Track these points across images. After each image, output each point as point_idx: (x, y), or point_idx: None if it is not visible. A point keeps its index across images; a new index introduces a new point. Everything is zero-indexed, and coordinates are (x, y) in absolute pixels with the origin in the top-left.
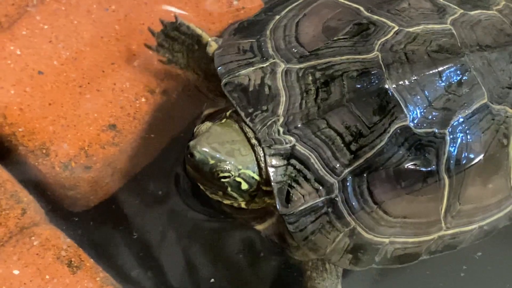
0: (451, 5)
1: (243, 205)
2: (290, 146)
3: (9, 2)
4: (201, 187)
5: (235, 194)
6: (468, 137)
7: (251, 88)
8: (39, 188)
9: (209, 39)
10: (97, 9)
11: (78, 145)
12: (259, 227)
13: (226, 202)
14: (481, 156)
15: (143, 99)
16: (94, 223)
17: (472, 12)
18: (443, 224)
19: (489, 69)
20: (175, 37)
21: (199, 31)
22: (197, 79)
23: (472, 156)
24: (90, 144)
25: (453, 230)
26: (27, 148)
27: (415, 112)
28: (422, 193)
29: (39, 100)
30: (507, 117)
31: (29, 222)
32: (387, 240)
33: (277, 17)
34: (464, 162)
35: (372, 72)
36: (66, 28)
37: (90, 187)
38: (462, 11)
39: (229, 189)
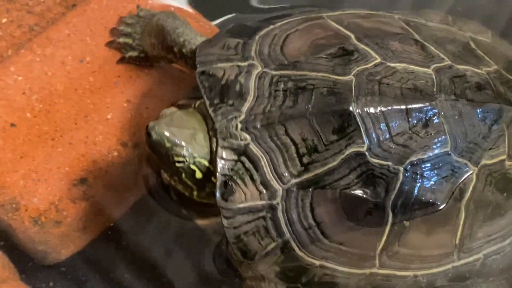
0: (441, 55)
1: (195, 195)
2: (244, 144)
3: None
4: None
5: (189, 182)
6: (422, 181)
7: (223, 82)
8: (9, 243)
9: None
10: (72, 60)
11: (48, 200)
12: (201, 222)
13: (180, 188)
14: (431, 204)
15: (115, 153)
16: (65, 275)
17: (460, 66)
18: (377, 261)
19: (459, 120)
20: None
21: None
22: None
23: (422, 200)
24: (61, 199)
25: (387, 271)
26: None
27: (373, 141)
28: (363, 223)
29: (11, 153)
30: (466, 172)
31: None
32: (317, 263)
33: (271, 26)
34: (412, 204)
35: (341, 92)
36: (40, 80)
37: (61, 241)
38: (449, 62)
39: (183, 175)
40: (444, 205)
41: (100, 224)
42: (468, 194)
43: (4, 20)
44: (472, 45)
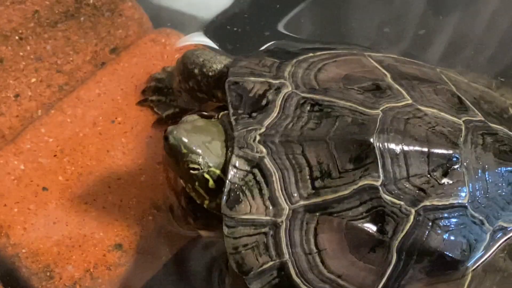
0: (475, 110)
1: (206, 204)
2: (259, 156)
3: (13, 114)
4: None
5: (201, 191)
6: (434, 228)
7: (250, 94)
8: None
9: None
10: (103, 121)
11: (83, 267)
12: (204, 233)
13: (193, 196)
14: (439, 254)
15: (150, 217)
16: None
17: (493, 125)
18: None
19: (482, 175)
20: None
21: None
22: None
23: (430, 248)
24: (96, 266)
25: None
26: (30, 270)
27: (389, 177)
28: (365, 259)
29: (43, 218)
30: (480, 230)
31: None
32: None
33: (310, 54)
34: (419, 250)
35: (365, 124)
36: (72, 141)
37: None
38: (482, 118)
39: (196, 183)
40: (452, 258)
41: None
42: (478, 254)
43: (33, 80)
44: (511, 111)
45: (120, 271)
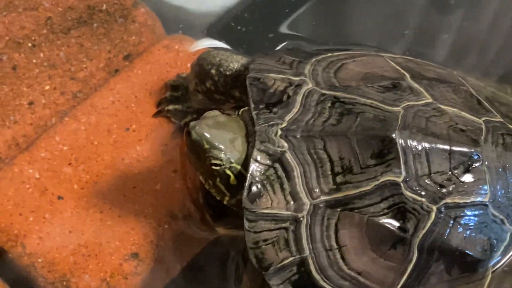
0: (494, 112)
1: (226, 200)
2: (280, 151)
3: (27, 122)
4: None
5: (222, 187)
6: (455, 226)
7: (271, 90)
8: None
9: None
10: (117, 128)
11: (99, 276)
12: (221, 230)
13: (213, 192)
14: (460, 253)
15: (166, 225)
16: None
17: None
18: None
19: (502, 173)
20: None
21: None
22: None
23: (452, 246)
24: (112, 275)
25: None
26: (46, 280)
27: (411, 174)
28: (386, 257)
29: (59, 227)
30: (501, 229)
31: None
32: None
33: (329, 54)
34: (440, 248)
35: (387, 120)
36: (86, 149)
37: None
38: (501, 120)
39: (218, 179)
40: (473, 257)
41: None
42: (498, 254)
43: (47, 87)
44: None
45: (136, 280)
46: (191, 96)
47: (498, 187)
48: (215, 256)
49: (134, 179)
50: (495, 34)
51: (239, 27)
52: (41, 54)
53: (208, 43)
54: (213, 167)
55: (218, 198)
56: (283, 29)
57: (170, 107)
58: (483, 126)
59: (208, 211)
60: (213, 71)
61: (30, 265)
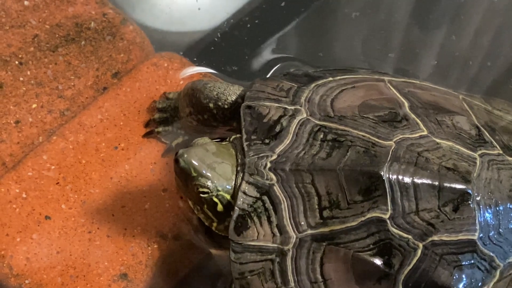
0: (494, 142)
1: (214, 226)
2: (269, 183)
3: (14, 141)
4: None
5: (210, 213)
6: (441, 263)
7: (264, 120)
8: None
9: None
10: (105, 147)
11: None
12: (215, 252)
13: (201, 218)
14: None
15: (155, 245)
16: None
17: (510, 158)
18: None
19: (494, 211)
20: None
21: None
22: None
23: (437, 283)
24: None
25: None
26: None
27: (398, 211)
28: None
29: (46, 248)
30: (490, 266)
31: None
32: None
33: (330, 78)
34: (426, 284)
35: (376, 155)
36: (74, 169)
37: None
38: (500, 151)
39: (205, 206)
40: None
41: None
42: None
43: (34, 106)
44: None
45: None
46: (183, 122)
47: (488, 224)
48: (205, 276)
49: (123, 199)
50: (476, 50)
51: (226, 47)
52: (28, 72)
53: (197, 68)
54: (201, 194)
55: (206, 223)
56: (271, 48)
57: (160, 128)
58: (478, 161)
59: (202, 232)
60: (211, 105)
61: (17, 287)
